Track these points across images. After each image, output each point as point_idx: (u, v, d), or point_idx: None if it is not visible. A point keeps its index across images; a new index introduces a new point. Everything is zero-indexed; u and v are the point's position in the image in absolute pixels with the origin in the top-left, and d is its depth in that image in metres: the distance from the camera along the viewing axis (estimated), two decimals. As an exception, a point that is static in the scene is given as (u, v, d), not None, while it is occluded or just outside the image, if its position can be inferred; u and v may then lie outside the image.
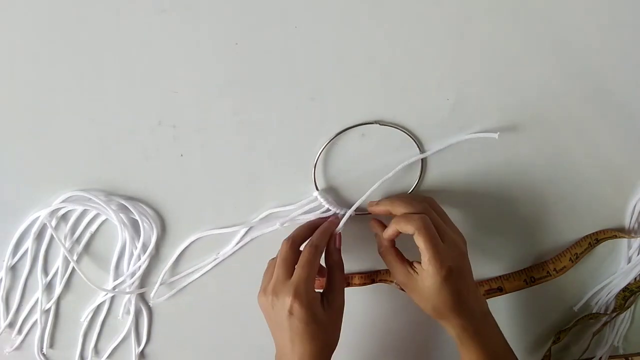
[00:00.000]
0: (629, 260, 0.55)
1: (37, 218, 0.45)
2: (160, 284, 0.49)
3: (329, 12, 0.41)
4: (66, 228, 0.46)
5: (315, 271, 0.41)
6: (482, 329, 0.44)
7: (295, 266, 0.41)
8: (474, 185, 0.49)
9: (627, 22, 0.44)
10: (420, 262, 0.42)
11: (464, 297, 0.42)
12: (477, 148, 0.47)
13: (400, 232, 0.43)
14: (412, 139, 0.46)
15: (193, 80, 0.42)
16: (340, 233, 0.46)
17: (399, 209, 0.43)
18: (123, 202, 0.45)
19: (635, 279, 0.55)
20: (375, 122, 0.44)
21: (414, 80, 0.44)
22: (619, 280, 0.55)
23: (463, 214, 0.50)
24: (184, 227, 0.47)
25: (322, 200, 0.46)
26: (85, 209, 0.45)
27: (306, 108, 0.44)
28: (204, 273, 0.49)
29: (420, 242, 0.40)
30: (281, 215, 0.47)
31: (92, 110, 0.42)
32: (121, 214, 0.45)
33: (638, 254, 0.54)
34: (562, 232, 0.53)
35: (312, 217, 0.46)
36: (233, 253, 0.48)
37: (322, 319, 0.40)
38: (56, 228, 0.46)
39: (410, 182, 0.48)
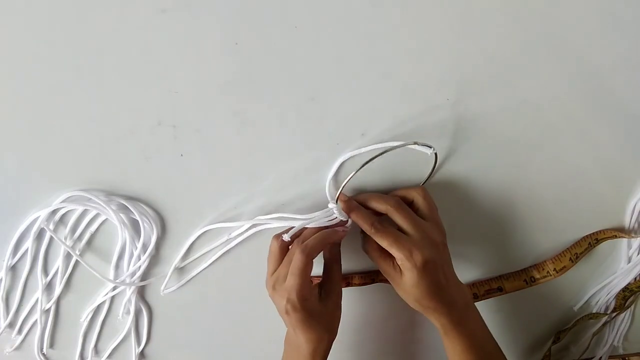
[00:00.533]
0: (629, 260, 0.55)
1: (37, 218, 0.45)
2: (164, 276, 0.49)
3: (329, 12, 0.41)
4: (66, 228, 0.46)
5: (309, 275, 0.42)
6: (464, 320, 0.45)
7: (289, 272, 0.41)
8: (474, 185, 0.49)
9: (627, 22, 0.44)
10: None
11: (443, 286, 0.43)
12: (477, 148, 0.47)
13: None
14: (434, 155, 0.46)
15: (193, 80, 0.42)
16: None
17: (358, 214, 0.44)
18: (123, 202, 0.45)
19: (635, 278, 0.55)
20: (415, 142, 0.44)
21: (414, 80, 0.44)
22: (619, 280, 0.55)
23: (463, 214, 0.50)
24: (184, 227, 0.47)
25: (336, 212, 0.44)
26: (85, 209, 0.45)
27: (306, 108, 0.44)
28: (209, 265, 0.49)
29: (381, 243, 0.42)
30: (291, 219, 0.46)
31: (92, 110, 0.42)
32: (121, 214, 0.45)
33: (638, 254, 0.55)
34: (562, 232, 0.53)
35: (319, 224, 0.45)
36: (238, 244, 0.48)
37: (318, 312, 0.42)
38: (56, 228, 0.46)
39: (415, 177, 0.48)
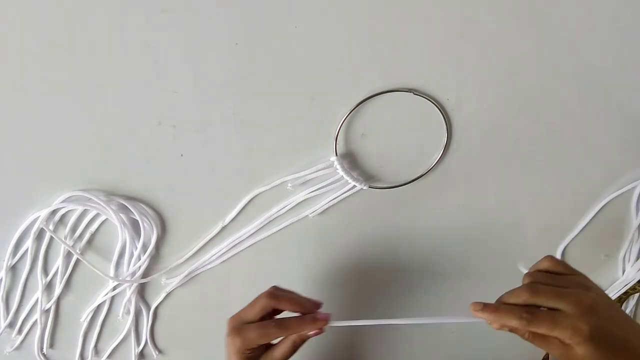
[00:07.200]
0: (623, 271, 0.55)
1: (37, 218, 0.45)
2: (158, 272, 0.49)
3: (329, 12, 0.41)
4: (66, 228, 0.46)
5: (261, 311, 0.39)
6: None
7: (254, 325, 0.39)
8: (473, 185, 0.49)
9: (627, 22, 0.44)
10: None
11: (625, 339, 0.39)
12: (476, 147, 0.47)
13: None
14: (440, 111, 0.45)
15: (193, 80, 0.42)
16: (320, 330, 0.40)
17: (500, 311, 0.39)
18: (123, 202, 0.45)
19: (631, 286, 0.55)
20: (410, 90, 0.44)
21: (413, 80, 0.44)
22: (613, 294, 0.55)
23: (462, 212, 0.50)
24: (184, 226, 0.47)
25: (338, 167, 0.44)
26: (85, 209, 0.45)
27: (306, 108, 0.44)
28: (210, 263, 0.49)
29: (539, 331, 0.39)
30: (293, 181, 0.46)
31: (92, 110, 0.42)
32: (121, 214, 0.45)
33: (631, 266, 0.54)
34: (561, 232, 0.53)
35: (324, 182, 0.45)
36: (240, 242, 0.48)
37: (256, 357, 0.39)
38: (56, 228, 0.46)
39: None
